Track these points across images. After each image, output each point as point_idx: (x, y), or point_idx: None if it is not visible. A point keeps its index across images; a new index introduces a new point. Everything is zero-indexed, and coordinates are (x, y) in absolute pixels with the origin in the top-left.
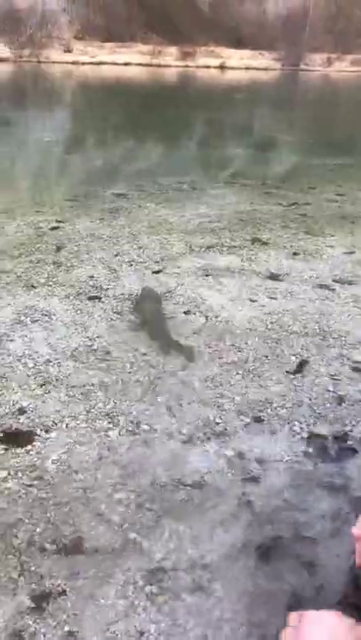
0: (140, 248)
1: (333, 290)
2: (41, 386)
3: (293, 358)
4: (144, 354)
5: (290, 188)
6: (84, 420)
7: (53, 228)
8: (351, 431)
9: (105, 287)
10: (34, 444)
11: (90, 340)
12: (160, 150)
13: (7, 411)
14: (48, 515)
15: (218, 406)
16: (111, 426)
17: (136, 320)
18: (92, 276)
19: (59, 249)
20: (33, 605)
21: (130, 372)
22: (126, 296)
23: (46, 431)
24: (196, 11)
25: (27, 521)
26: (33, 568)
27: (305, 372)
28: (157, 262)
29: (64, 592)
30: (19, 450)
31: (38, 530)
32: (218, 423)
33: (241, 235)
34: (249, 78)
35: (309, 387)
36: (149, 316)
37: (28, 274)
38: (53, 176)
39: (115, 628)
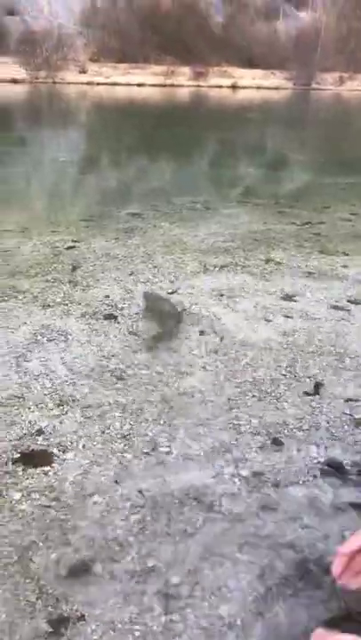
0: (154, 267)
1: (349, 310)
2: (58, 406)
3: (309, 380)
4: (159, 373)
5: (303, 207)
6: (100, 441)
7: (69, 248)
8: None
9: (120, 306)
10: (52, 465)
11: (105, 359)
12: (173, 170)
13: (25, 431)
14: (65, 537)
15: (234, 428)
16: (127, 447)
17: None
18: (107, 296)
19: (74, 268)
20: (51, 630)
21: (145, 393)
22: (141, 315)
23: (63, 451)
24: (209, 32)
25: (41, 544)
26: (50, 591)
27: (321, 394)
28: (172, 282)
29: (82, 617)
30: (36, 470)
31: (54, 554)
32: (234, 445)
33: (255, 254)
34: (261, 97)
35: (327, 409)
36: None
37: (44, 293)
38: (69, 196)
39: None
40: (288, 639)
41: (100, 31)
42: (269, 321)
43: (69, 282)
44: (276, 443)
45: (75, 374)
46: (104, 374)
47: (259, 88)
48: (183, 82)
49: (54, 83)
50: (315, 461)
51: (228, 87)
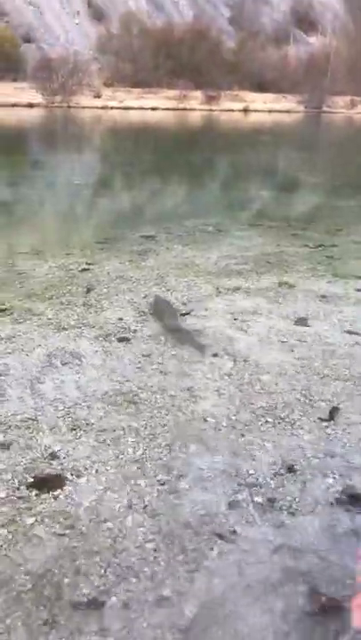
0: (168, 290)
1: None
2: (71, 430)
3: (324, 404)
4: (172, 396)
5: (315, 230)
6: (113, 465)
7: (83, 270)
8: None
9: (133, 329)
10: (64, 488)
11: (119, 383)
12: (186, 193)
13: (39, 455)
14: (77, 564)
15: (249, 454)
16: (140, 473)
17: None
18: (120, 318)
19: (88, 290)
20: None
21: (158, 417)
22: (155, 338)
23: (77, 476)
24: (220, 57)
25: (56, 571)
26: (63, 622)
27: (337, 420)
28: (185, 304)
29: None
30: (49, 495)
31: (67, 580)
32: (249, 472)
33: (268, 277)
34: (272, 120)
35: (342, 435)
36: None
37: (58, 315)
38: (83, 219)
39: None
40: None
41: (115, 57)
42: (284, 343)
43: (83, 304)
44: (291, 470)
45: (88, 397)
46: (117, 398)
47: (270, 111)
48: (195, 105)
49: (69, 107)
50: (331, 490)
51: (239, 111)
